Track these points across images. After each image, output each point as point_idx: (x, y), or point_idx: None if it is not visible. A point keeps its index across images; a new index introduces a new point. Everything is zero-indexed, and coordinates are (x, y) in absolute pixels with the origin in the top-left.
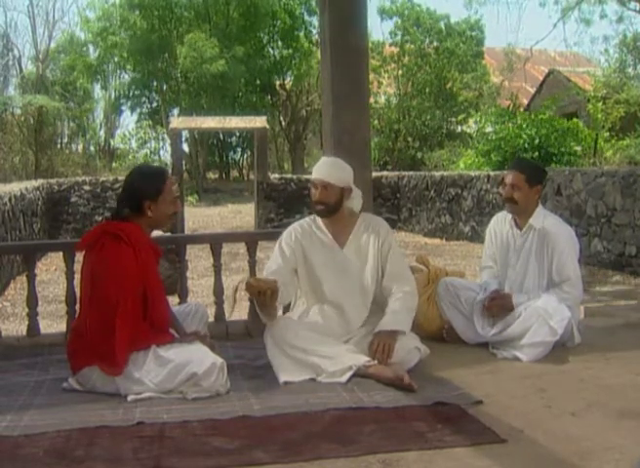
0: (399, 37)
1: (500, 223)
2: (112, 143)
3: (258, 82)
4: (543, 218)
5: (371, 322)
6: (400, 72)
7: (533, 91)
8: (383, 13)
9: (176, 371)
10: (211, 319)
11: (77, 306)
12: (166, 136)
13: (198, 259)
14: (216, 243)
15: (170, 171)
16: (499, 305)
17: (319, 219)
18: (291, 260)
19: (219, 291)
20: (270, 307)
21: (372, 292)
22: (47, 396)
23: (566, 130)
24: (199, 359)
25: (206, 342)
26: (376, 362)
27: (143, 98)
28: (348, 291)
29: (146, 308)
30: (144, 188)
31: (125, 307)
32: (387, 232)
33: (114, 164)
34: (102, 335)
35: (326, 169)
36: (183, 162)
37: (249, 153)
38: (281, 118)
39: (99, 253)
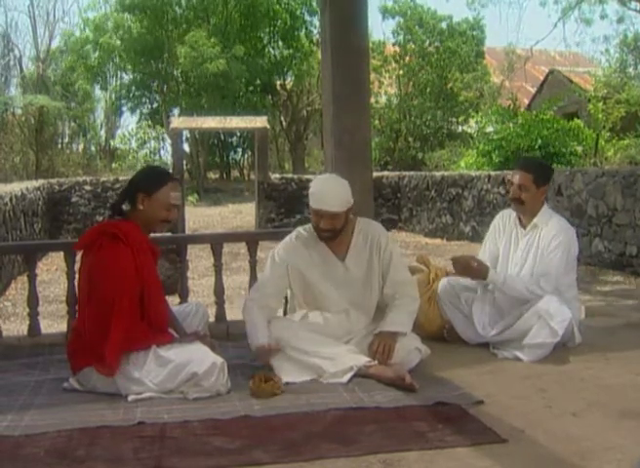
0: (402, 36)
1: (506, 220)
2: (113, 144)
3: (258, 82)
4: (548, 218)
5: (372, 324)
6: (401, 72)
7: (533, 90)
8: (386, 12)
9: (176, 372)
10: (211, 319)
11: (77, 306)
12: (166, 136)
13: (199, 259)
14: (216, 243)
15: (171, 171)
16: (471, 268)
17: None
18: (283, 279)
19: (219, 291)
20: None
21: (375, 299)
22: (47, 396)
23: (567, 131)
24: (199, 359)
25: (206, 342)
26: (376, 362)
27: (144, 99)
28: (351, 301)
29: (144, 308)
30: (141, 180)
31: (121, 307)
32: (387, 239)
33: (114, 164)
34: (100, 336)
35: (329, 198)
36: (184, 162)
37: (249, 153)
38: (282, 118)
39: (96, 253)
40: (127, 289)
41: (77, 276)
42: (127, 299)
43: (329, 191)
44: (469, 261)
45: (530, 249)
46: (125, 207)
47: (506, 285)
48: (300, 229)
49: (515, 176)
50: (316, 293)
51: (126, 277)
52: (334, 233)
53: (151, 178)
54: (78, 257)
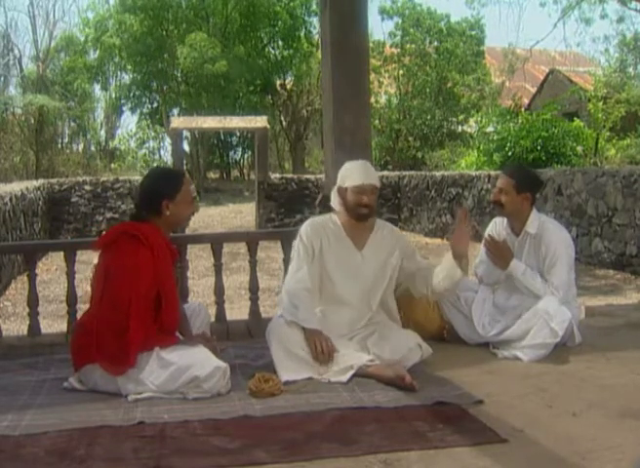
0: (399, 38)
1: (499, 227)
2: (112, 143)
3: (258, 82)
4: (539, 223)
5: (375, 321)
6: (401, 72)
7: (533, 90)
8: (384, 12)
9: (177, 375)
10: (212, 319)
11: (78, 305)
12: (166, 135)
13: (199, 259)
14: (216, 243)
15: None
16: (499, 252)
17: (336, 219)
18: (312, 259)
19: (219, 291)
20: None
21: (380, 294)
22: (48, 395)
23: (568, 131)
24: (201, 362)
25: (210, 346)
26: (377, 361)
27: (144, 99)
28: (358, 292)
29: (158, 311)
30: (162, 187)
31: (138, 308)
32: (404, 239)
33: (114, 164)
34: (111, 334)
35: (372, 173)
36: (184, 162)
37: (249, 153)
38: (282, 118)
39: (115, 252)
40: (144, 290)
41: (78, 276)
42: (143, 301)
43: (368, 167)
44: (504, 244)
45: (522, 255)
46: (144, 213)
47: (525, 276)
48: (316, 218)
49: (498, 180)
50: (327, 283)
51: (144, 279)
52: (371, 211)
53: (170, 183)
54: (80, 258)
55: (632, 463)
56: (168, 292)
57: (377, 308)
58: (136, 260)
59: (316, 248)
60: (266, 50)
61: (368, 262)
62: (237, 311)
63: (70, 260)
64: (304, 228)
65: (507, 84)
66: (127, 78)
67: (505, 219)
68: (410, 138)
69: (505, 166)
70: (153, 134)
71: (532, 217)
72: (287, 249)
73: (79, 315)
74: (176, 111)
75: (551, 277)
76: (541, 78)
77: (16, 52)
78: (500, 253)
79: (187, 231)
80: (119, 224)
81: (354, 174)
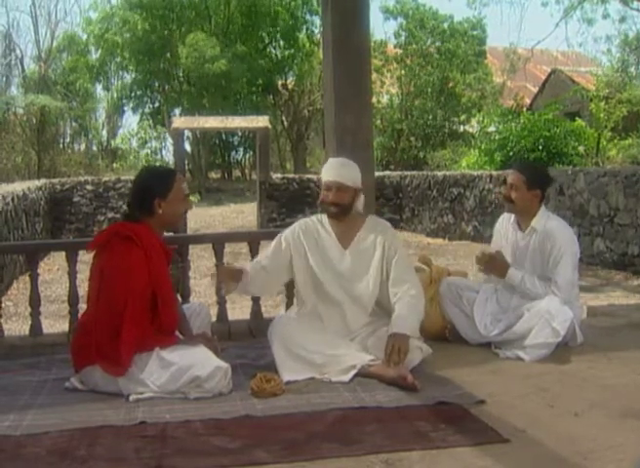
0: (403, 38)
1: (506, 223)
2: (114, 143)
3: (260, 81)
4: (546, 221)
5: (374, 322)
6: (403, 72)
7: (535, 90)
8: (387, 12)
9: (178, 375)
10: (213, 319)
11: (79, 305)
12: (168, 135)
13: (200, 259)
14: (218, 243)
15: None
16: (494, 265)
17: (325, 219)
18: (284, 256)
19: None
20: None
21: (374, 295)
22: (49, 395)
23: (569, 131)
24: (202, 362)
25: (211, 346)
26: (379, 361)
27: (145, 99)
28: (348, 293)
29: (155, 312)
30: (154, 186)
31: (133, 309)
32: (394, 236)
33: (116, 164)
34: (108, 335)
35: (340, 170)
36: (186, 162)
37: (251, 153)
38: (283, 118)
39: (109, 253)
40: (139, 291)
41: (80, 276)
42: (139, 301)
43: (339, 164)
44: (494, 255)
45: (527, 252)
46: (137, 213)
47: (523, 283)
48: (306, 219)
49: (509, 176)
50: (316, 282)
51: (139, 279)
52: (340, 208)
53: (162, 181)
54: (80, 257)
55: (634, 463)
56: (164, 293)
57: (375, 310)
58: (129, 261)
59: (298, 250)
60: (268, 49)
61: (352, 262)
62: (239, 311)
63: (72, 260)
64: (287, 230)
65: (509, 84)
66: (128, 78)
67: (513, 215)
68: (411, 138)
69: (516, 162)
70: (155, 133)
71: (539, 214)
72: None
73: (81, 315)
74: (177, 111)
75: (555, 275)
76: (543, 78)
77: (18, 52)
78: (495, 266)
79: (189, 231)
80: (112, 225)
81: (326, 168)
